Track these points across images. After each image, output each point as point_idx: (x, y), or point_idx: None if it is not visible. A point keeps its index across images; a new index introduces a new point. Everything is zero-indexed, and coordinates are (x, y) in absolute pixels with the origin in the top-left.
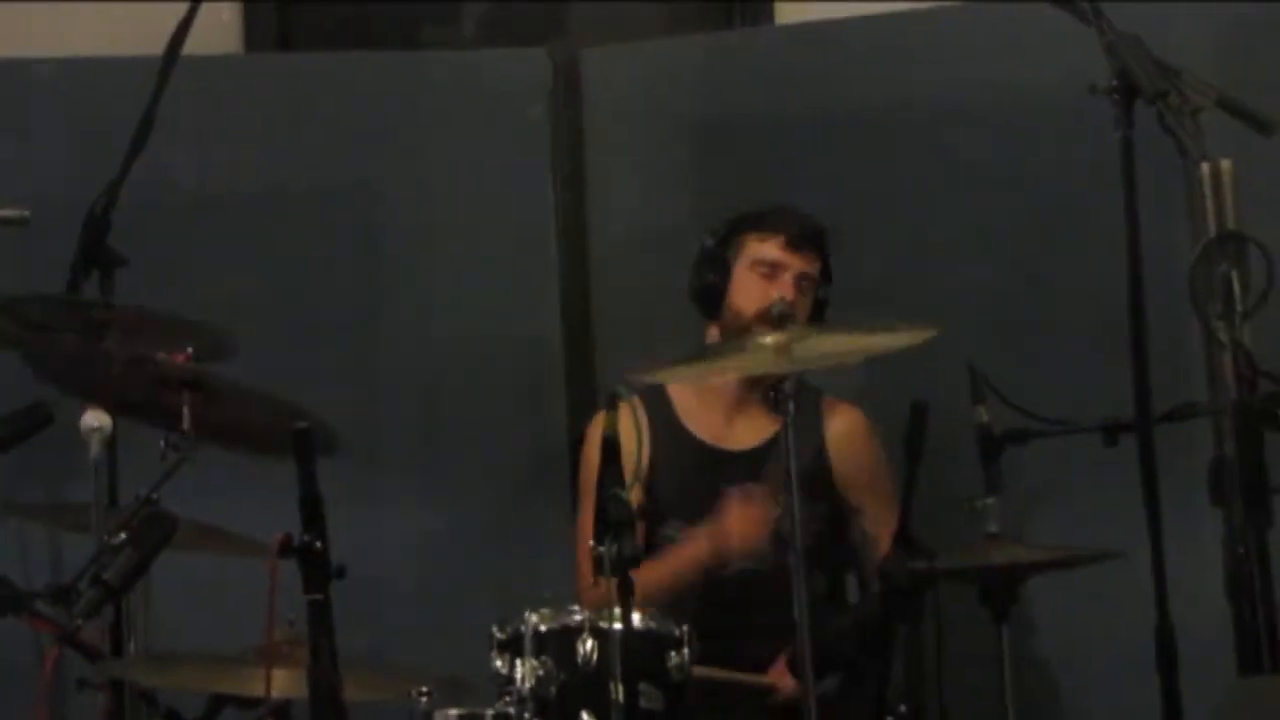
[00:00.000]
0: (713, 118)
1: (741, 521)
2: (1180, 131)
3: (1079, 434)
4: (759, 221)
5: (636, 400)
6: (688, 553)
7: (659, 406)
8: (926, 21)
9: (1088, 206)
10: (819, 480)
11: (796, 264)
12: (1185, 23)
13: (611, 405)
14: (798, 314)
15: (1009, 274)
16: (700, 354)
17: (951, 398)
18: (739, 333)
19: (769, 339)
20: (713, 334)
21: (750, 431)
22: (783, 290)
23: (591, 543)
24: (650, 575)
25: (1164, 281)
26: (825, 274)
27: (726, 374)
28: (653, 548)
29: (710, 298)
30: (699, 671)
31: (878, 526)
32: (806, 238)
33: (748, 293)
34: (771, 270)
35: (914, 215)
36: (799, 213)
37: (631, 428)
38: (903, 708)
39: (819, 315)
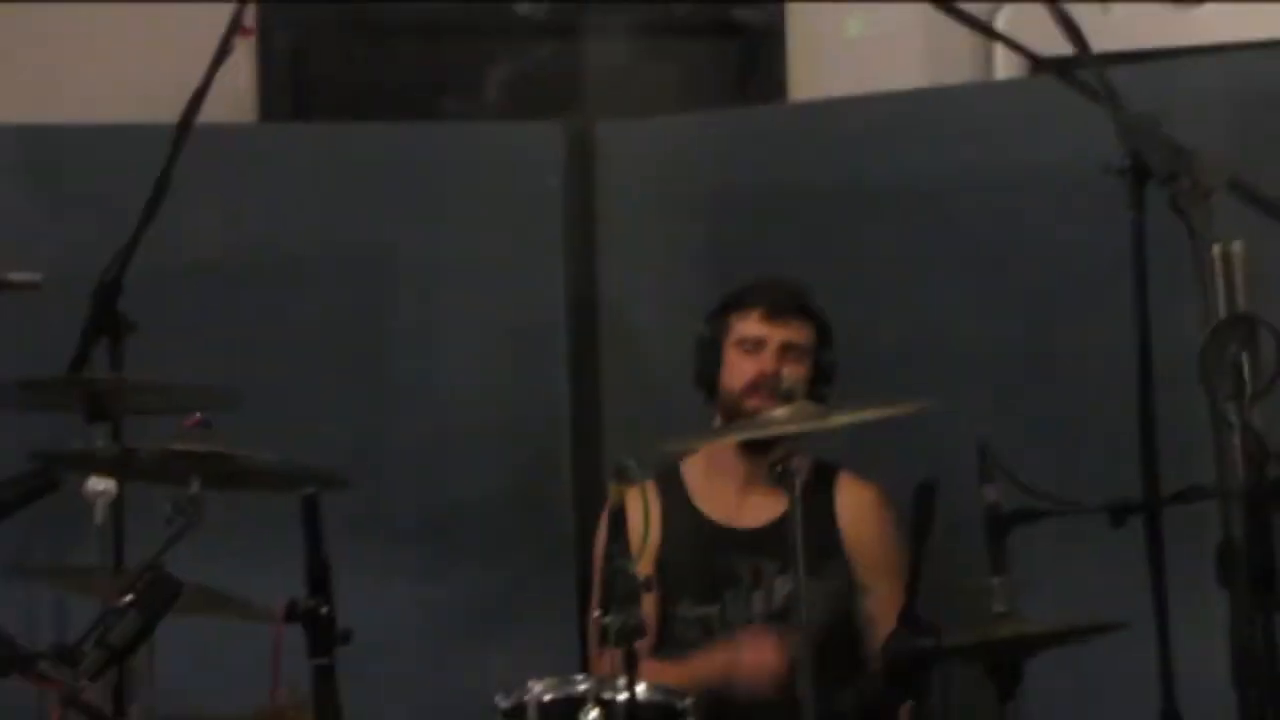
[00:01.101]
0: (725, 192)
1: (755, 661)
2: (1191, 213)
3: (1087, 514)
4: (739, 299)
5: (650, 484)
6: (700, 671)
7: (672, 487)
8: (941, 99)
9: (1098, 285)
10: (829, 556)
11: (778, 335)
12: (1203, 76)
13: (619, 478)
14: (790, 385)
15: (1018, 352)
16: (707, 430)
17: (959, 475)
18: (734, 413)
19: (778, 412)
20: (717, 420)
21: (760, 510)
22: (763, 365)
23: (596, 613)
24: (659, 674)
25: (1173, 362)
26: (821, 337)
27: (730, 441)
28: (667, 628)
29: (706, 382)
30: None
31: (883, 606)
32: (785, 307)
33: (734, 370)
34: (755, 345)
35: (926, 292)
36: (779, 282)
37: (640, 503)
38: None
39: (824, 380)
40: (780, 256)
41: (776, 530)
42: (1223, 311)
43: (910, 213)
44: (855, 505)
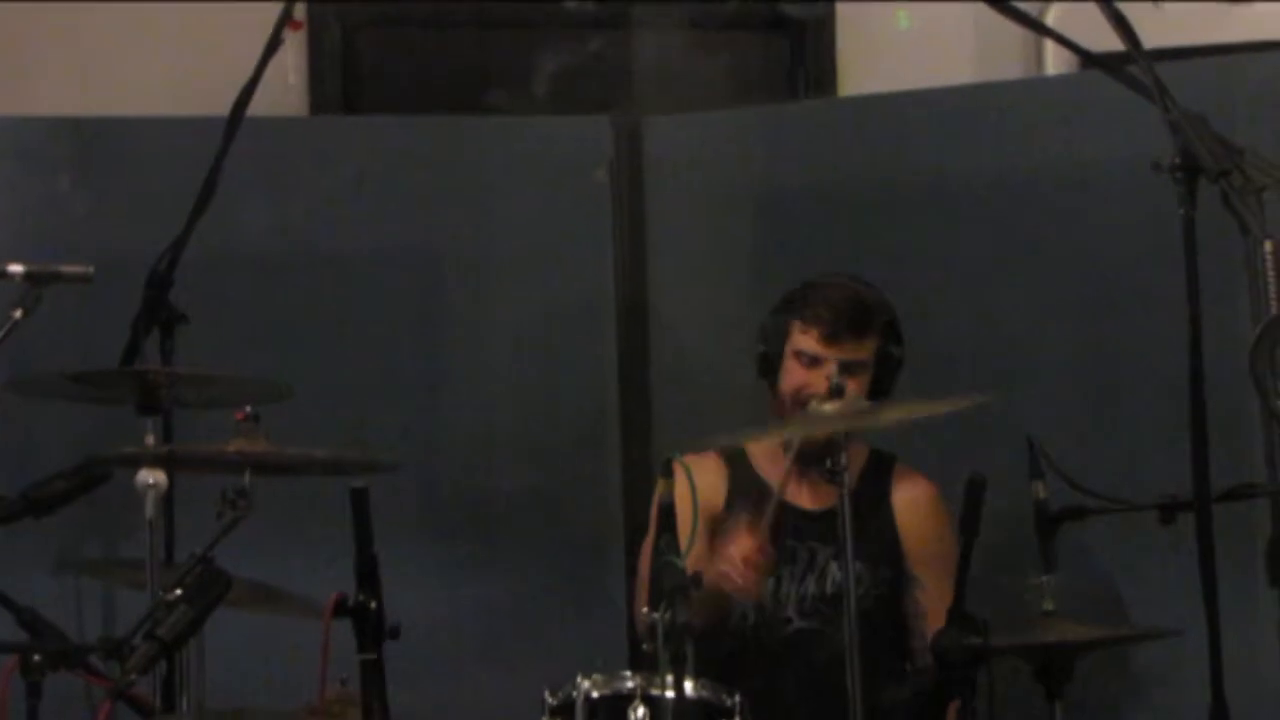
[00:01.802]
0: (775, 188)
1: (735, 558)
2: (1243, 210)
3: (1136, 512)
4: (802, 308)
5: (714, 455)
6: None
7: (737, 459)
8: (990, 95)
9: (1149, 283)
10: (883, 545)
11: (836, 355)
12: (1256, 73)
13: (667, 472)
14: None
15: (1069, 349)
16: (757, 429)
17: (1009, 473)
18: (786, 414)
19: (827, 407)
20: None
21: (818, 493)
22: (816, 383)
23: (644, 610)
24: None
25: (1225, 360)
26: (884, 350)
27: (781, 436)
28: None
29: (767, 372)
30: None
31: (933, 600)
32: (846, 328)
33: (791, 376)
34: (811, 362)
35: (975, 289)
36: (844, 296)
37: (688, 493)
38: None
39: (882, 385)
40: (828, 252)
41: (832, 516)
42: (1275, 308)
43: (960, 208)
44: (911, 499)
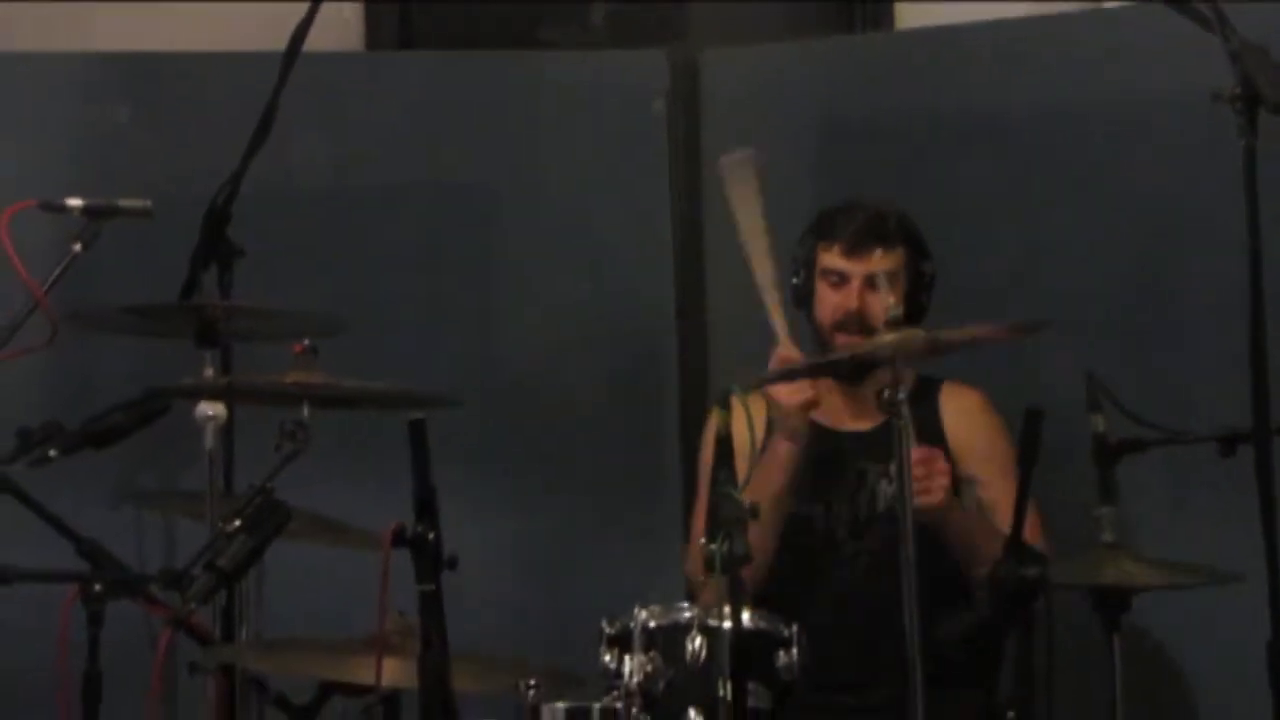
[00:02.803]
0: (831, 121)
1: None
2: None
3: (1196, 444)
4: (823, 229)
5: (753, 396)
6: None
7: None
8: (1048, 26)
9: (1208, 214)
10: None
11: (860, 268)
12: None
13: (724, 404)
14: (871, 317)
15: (1127, 281)
16: (811, 357)
17: (1068, 405)
18: (826, 344)
19: (886, 338)
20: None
21: (865, 414)
22: (849, 301)
23: (703, 540)
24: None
25: None
26: (913, 261)
27: (829, 375)
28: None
29: (802, 304)
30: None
31: (996, 495)
32: (865, 239)
33: (823, 303)
34: (839, 279)
35: (1032, 220)
36: (861, 210)
37: (745, 426)
38: (1011, 714)
39: (923, 292)
40: (885, 184)
41: (881, 434)
42: None
43: (1018, 141)
44: (960, 408)
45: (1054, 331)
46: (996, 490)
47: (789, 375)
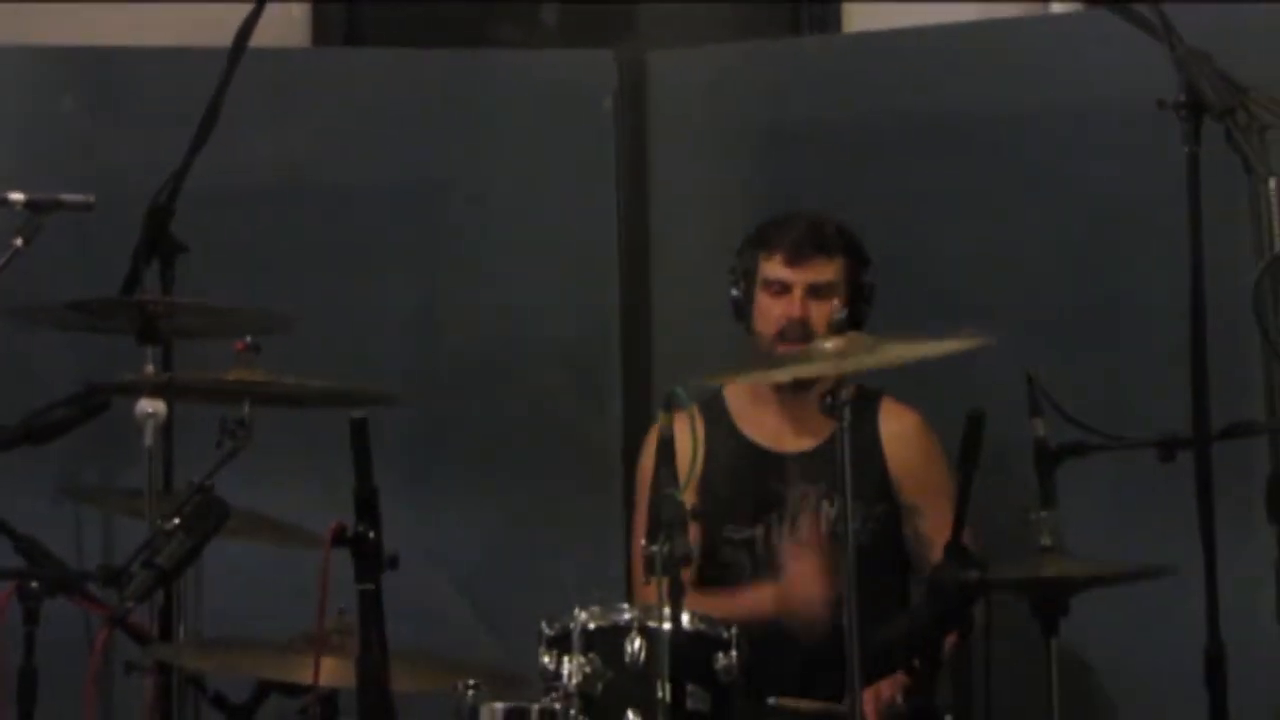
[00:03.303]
0: (779, 123)
1: (803, 591)
2: (1247, 148)
3: (1136, 449)
4: (764, 239)
5: (694, 408)
6: (748, 604)
7: (715, 412)
8: (994, 31)
9: (1152, 220)
10: (874, 480)
11: (802, 277)
12: (1260, 11)
13: (668, 407)
14: (814, 325)
15: (1071, 286)
16: (760, 361)
17: (1009, 409)
18: (767, 352)
19: (829, 344)
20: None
21: (804, 434)
22: (790, 309)
23: (643, 542)
24: (711, 606)
25: (1227, 298)
26: (852, 264)
27: (782, 379)
28: (711, 552)
29: (742, 316)
30: (784, 702)
31: (932, 528)
32: (807, 248)
33: (764, 313)
34: (781, 289)
35: (977, 225)
36: (802, 219)
37: (688, 431)
38: (949, 716)
39: (863, 303)
40: (831, 187)
41: (820, 455)
42: (1277, 245)
43: (963, 146)
44: (899, 430)
45: (996, 335)
46: (934, 522)
47: (733, 378)
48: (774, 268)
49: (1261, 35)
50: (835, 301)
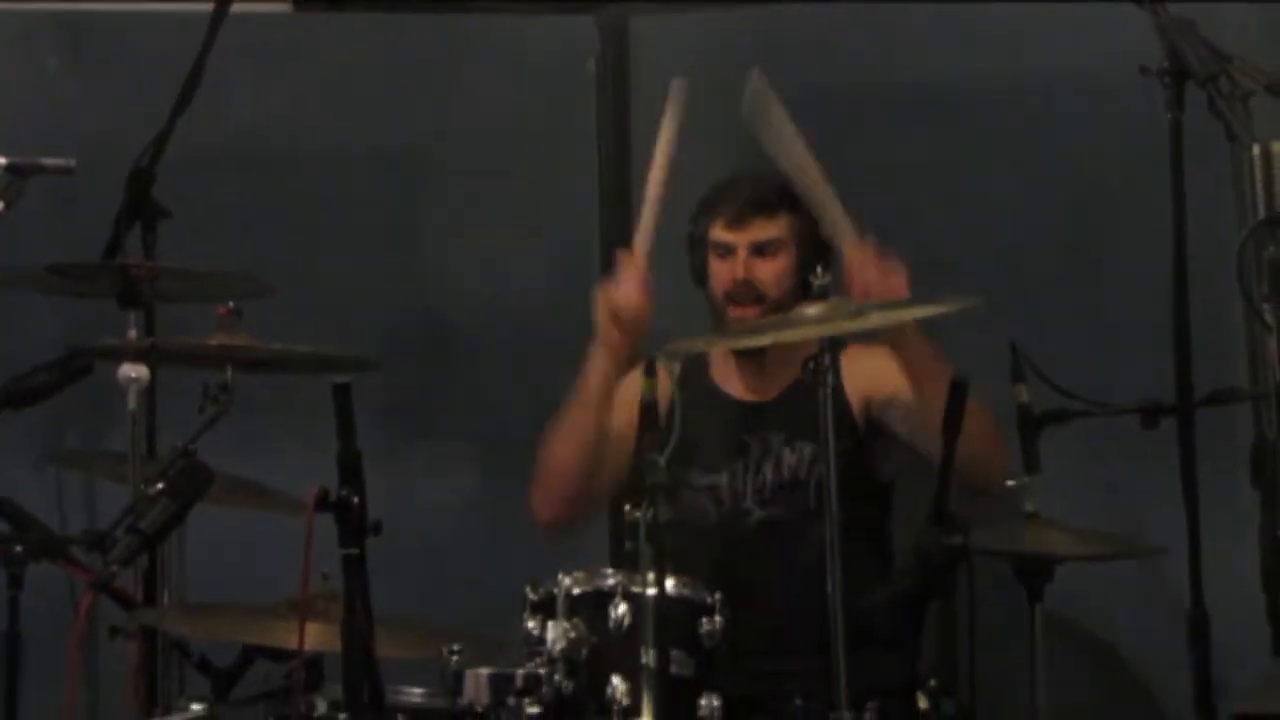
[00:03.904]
0: None
1: (617, 291)
2: (1230, 115)
3: (1119, 415)
4: (710, 202)
5: (675, 365)
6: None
7: (694, 363)
8: None
9: (1135, 188)
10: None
11: (744, 238)
12: (1237, 12)
13: (650, 372)
14: (760, 285)
15: (1054, 253)
16: (741, 327)
17: (991, 375)
18: (720, 317)
19: (811, 310)
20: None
21: (768, 383)
22: (735, 271)
23: (627, 507)
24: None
25: (1209, 264)
26: (803, 227)
27: (762, 343)
28: (679, 497)
29: (700, 281)
30: None
31: (917, 407)
32: (748, 208)
33: (715, 277)
34: (725, 251)
35: (961, 193)
36: (746, 180)
37: (670, 392)
38: (933, 681)
39: (816, 263)
40: (813, 155)
41: (783, 402)
42: (1261, 212)
43: (946, 113)
44: (857, 360)
45: (980, 302)
46: (917, 403)
47: (712, 345)
48: (718, 231)
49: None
50: (782, 258)
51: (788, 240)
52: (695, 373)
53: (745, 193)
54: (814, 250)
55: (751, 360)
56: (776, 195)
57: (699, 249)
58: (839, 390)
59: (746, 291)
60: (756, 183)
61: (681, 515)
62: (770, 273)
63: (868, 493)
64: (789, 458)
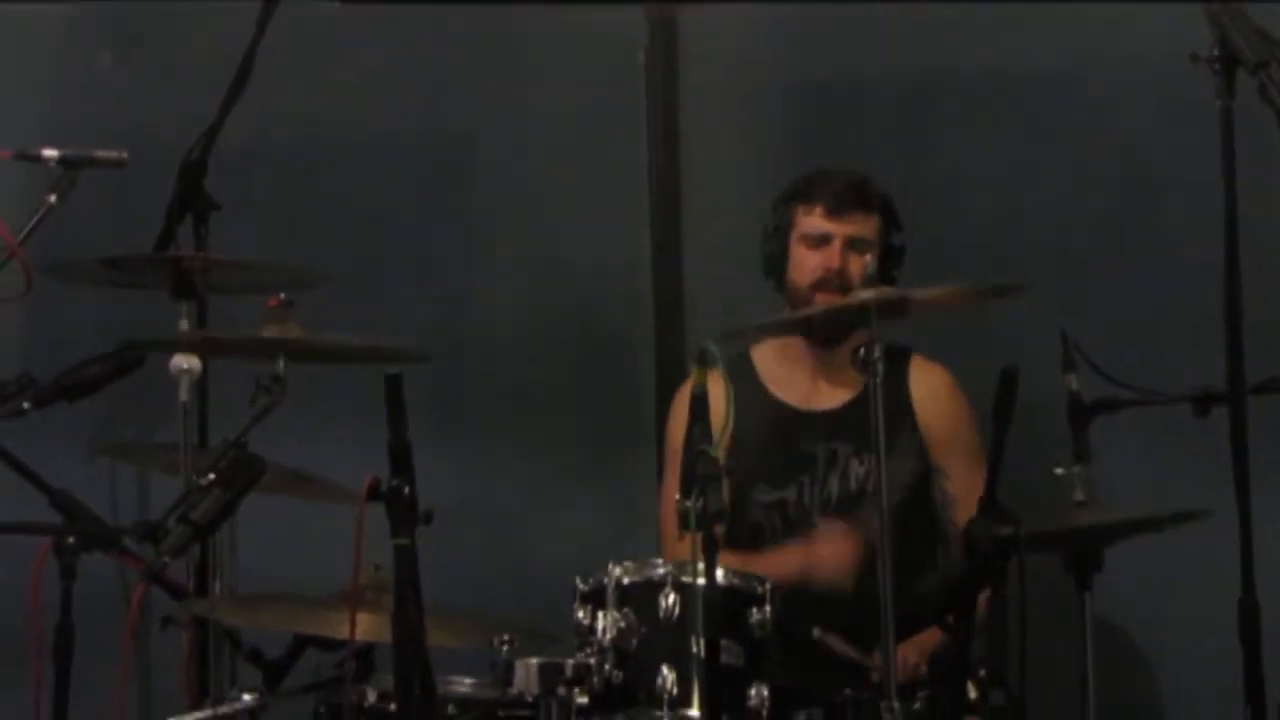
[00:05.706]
0: (809, 79)
1: (831, 554)
2: None
3: (1170, 404)
4: (803, 193)
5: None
6: (776, 565)
7: (742, 373)
8: None
9: (1186, 175)
10: (904, 434)
11: (843, 230)
12: None
13: (701, 362)
14: (851, 277)
15: (1104, 241)
16: (785, 315)
17: (1043, 365)
18: (802, 306)
19: (864, 294)
20: (787, 310)
21: (833, 392)
22: (829, 260)
23: (678, 497)
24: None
25: (1260, 252)
26: (887, 223)
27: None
28: (742, 513)
29: (775, 273)
30: (827, 637)
31: (962, 488)
32: (849, 201)
33: (801, 266)
34: (820, 241)
35: (1011, 180)
36: (842, 174)
37: (720, 390)
38: (983, 671)
39: (894, 264)
40: (861, 144)
41: (850, 412)
42: None
43: (995, 101)
44: (929, 387)
45: (1029, 291)
46: (962, 484)
47: (766, 329)
48: (814, 220)
49: None
50: (868, 257)
51: (876, 242)
52: (746, 384)
53: (846, 184)
54: (892, 255)
55: (825, 357)
56: (875, 193)
57: (780, 237)
58: (907, 405)
59: (839, 282)
60: (856, 178)
61: (746, 534)
62: (860, 268)
63: (928, 510)
64: (856, 468)
